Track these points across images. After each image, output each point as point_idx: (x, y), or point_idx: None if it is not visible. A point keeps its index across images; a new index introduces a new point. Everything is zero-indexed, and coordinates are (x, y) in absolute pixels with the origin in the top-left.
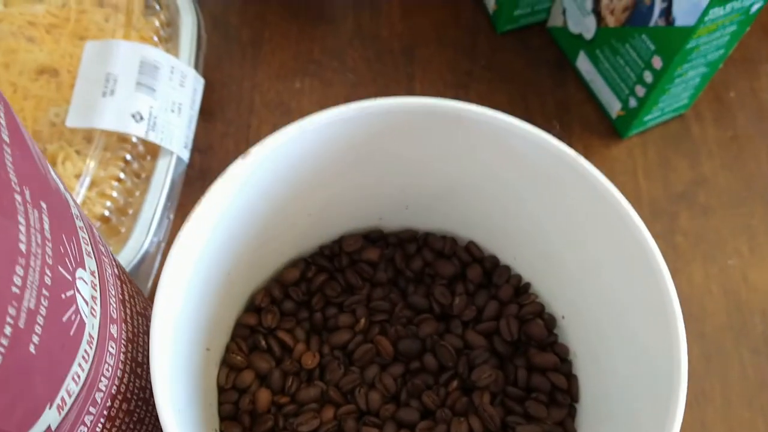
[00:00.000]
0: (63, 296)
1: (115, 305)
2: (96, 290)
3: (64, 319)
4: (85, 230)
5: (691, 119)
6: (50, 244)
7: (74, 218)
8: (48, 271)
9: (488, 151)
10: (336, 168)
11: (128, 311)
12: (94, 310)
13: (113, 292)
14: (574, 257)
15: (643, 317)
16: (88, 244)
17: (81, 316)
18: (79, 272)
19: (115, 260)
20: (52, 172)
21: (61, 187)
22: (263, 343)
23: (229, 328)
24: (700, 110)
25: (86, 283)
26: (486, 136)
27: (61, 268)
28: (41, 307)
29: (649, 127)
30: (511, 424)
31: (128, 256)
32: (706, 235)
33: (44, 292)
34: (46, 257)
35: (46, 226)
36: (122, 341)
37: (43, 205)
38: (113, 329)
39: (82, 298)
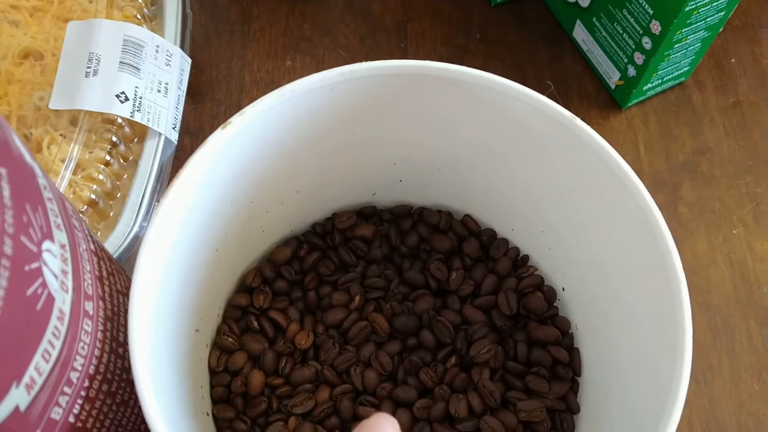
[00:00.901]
0: (26, 268)
1: (90, 282)
2: (67, 264)
3: (29, 292)
4: (54, 202)
5: (691, 87)
6: (10, 212)
7: (41, 188)
8: (8, 240)
9: (485, 118)
10: (324, 140)
11: (106, 289)
12: (64, 285)
13: (88, 268)
14: (573, 228)
15: (646, 288)
16: (57, 216)
17: (49, 291)
18: (47, 244)
19: (92, 236)
20: (17, 140)
21: (27, 156)
22: (255, 323)
23: (219, 309)
24: (701, 78)
25: (55, 256)
26: (483, 102)
27: (24, 239)
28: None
29: (648, 97)
30: (512, 400)
31: (117, 240)
32: (709, 205)
33: (3, 262)
34: (6, 225)
35: (6, 193)
36: (99, 319)
37: (2, 172)
38: (89, 306)
39: (51, 271)
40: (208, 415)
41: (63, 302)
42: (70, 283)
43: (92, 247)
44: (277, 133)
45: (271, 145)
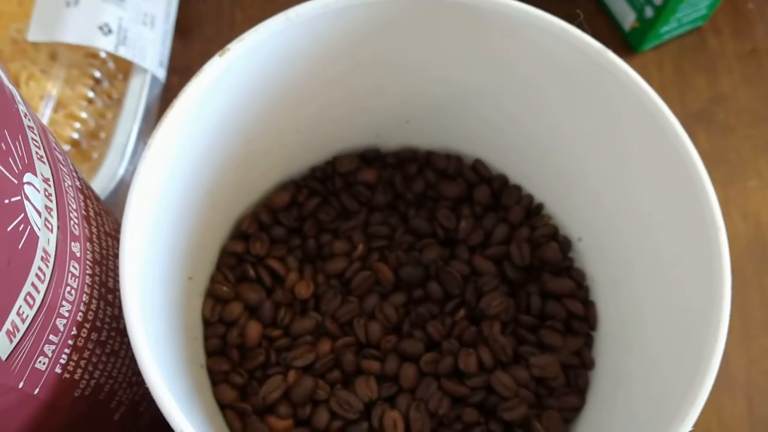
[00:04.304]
0: (6, 201)
1: (77, 221)
2: (51, 200)
3: (9, 228)
4: (36, 132)
5: (708, 32)
6: None
7: (21, 115)
8: None
9: (504, 49)
10: (327, 72)
11: (94, 230)
12: (48, 222)
13: (74, 206)
14: (597, 170)
15: (679, 235)
16: (39, 148)
17: (32, 228)
18: (28, 177)
19: (77, 173)
20: None
21: (4, 78)
22: (252, 272)
23: (213, 256)
24: (717, 23)
25: (38, 190)
26: (502, 31)
27: (3, 169)
28: None
29: (664, 41)
30: (524, 355)
31: (102, 183)
32: (725, 155)
33: None
34: None
35: None
36: (87, 262)
37: None
38: (75, 248)
39: (33, 207)
40: (202, 367)
41: (47, 242)
42: (54, 221)
43: (78, 184)
44: (277, 63)
45: (271, 78)
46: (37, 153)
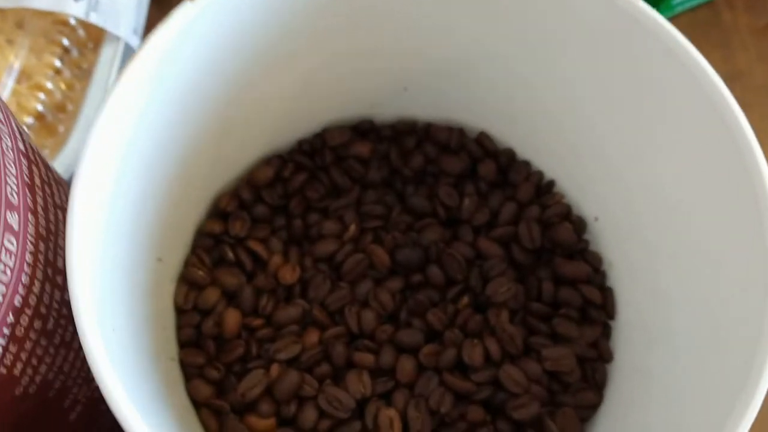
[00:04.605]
0: None
1: (15, 187)
2: None
3: None
4: None
5: (721, 6)
6: None
7: None
8: None
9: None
10: (317, 30)
11: (39, 200)
12: None
13: (13, 171)
14: (619, 142)
15: (720, 215)
16: None
17: None
18: None
19: (22, 135)
20: None
21: None
22: (231, 254)
23: (188, 237)
24: None
25: None
26: None
27: None
28: None
29: (677, 13)
30: (535, 346)
31: (67, 159)
32: None
33: None
34: None
35: None
36: (29, 237)
37: None
38: (11, 218)
39: None
40: (173, 360)
41: None
42: None
43: (21, 146)
44: (259, 12)
45: (253, 33)
46: None
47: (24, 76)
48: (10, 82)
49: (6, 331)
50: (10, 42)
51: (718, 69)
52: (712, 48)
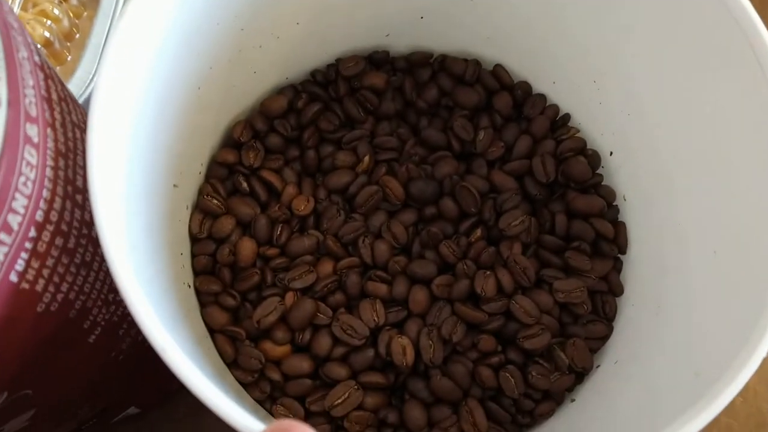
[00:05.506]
0: None
1: (34, 100)
2: None
3: None
4: None
5: None
6: None
7: None
8: None
9: None
10: None
11: (57, 116)
12: None
13: (31, 83)
14: (641, 70)
15: (736, 149)
16: None
17: None
18: None
19: (38, 49)
20: None
21: None
22: (244, 184)
23: (202, 165)
24: None
25: None
26: None
27: None
28: None
29: None
30: (547, 279)
31: (75, 88)
32: None
33: None
34: None
35: None
36: (49, 152)
37: None
38: (32, 131)
39: None
40: (189, 287)
41: None
42: (3, 92)
43: (37, 59)
44: None
45: None
46: None
47: (29, 2)
48: (15, 8)
49: (28, 245)
50: None
51: None
52: None
